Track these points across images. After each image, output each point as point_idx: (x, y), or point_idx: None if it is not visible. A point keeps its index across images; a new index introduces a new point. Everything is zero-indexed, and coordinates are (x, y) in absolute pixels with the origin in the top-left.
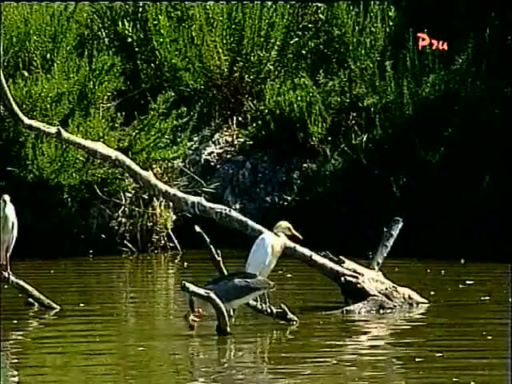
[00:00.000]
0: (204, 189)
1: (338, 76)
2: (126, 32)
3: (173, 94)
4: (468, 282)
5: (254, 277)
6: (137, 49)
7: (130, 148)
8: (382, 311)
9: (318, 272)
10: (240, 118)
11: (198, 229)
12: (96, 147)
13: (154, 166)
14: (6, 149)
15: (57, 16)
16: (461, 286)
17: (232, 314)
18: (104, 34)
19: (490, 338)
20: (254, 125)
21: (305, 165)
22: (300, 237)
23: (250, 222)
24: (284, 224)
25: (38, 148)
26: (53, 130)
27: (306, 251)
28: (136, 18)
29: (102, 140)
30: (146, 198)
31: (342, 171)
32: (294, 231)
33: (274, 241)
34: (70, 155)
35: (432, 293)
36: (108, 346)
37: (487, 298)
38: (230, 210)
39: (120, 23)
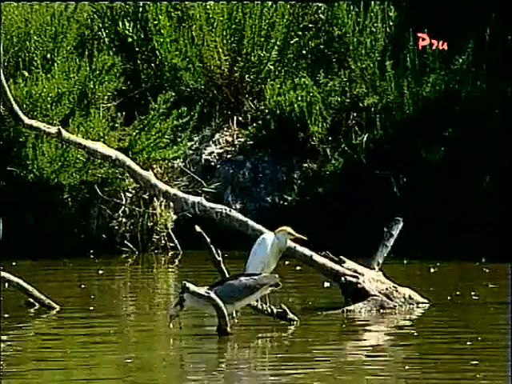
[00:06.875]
0: (204, 189)
1: (339, 76)
2: (127, 32)
3: (173, 93)
4: (468, 282)
5: (258, 275)
6: (137, 49)
7: (130, 148)
8: (382, 311)
9: (318, 272)
10: (240, 118)
11: (198, 229)
12: (96, 147)
13: (155, 165)
14: (6, 149)
15: (57, 16)
16: (461, 285)
17: (235, 314)
18: (104, 34)
19: (490, 338)
20: (255, 125)
21: (305, 165)
22: (304, 238)
23: (251, 222)
24: (286, 229)
25: (38, 148)
26: (53, 129)
27: (306, 251)
28: (136, 18)
29: (102, 140)
30: (147, 197)
31: (342, 171)
32: (296, 234)
33: (274, 241)
34: (70, 155)
35: (432, 293)
36: (108, 346)
37: (487, 298)
38: (230, 210)
39: (120, 23)
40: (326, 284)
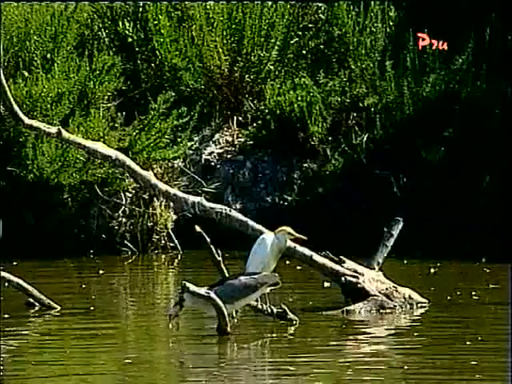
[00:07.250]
0: (204, 189)
1: (338, 76)
2: (127, 32)
3: (173, 93)
4: (468, 282)
5: (258, 274)
6: (137, 49)
7: (130, 148)
8: (382, 311)
9: (318, 272)
10: (240, 118)
11: (198, 229)
12: (96, 147)
13: (155, 165)
14: (6, 149)
15: (57, 16)
16: (461, 285)
17: (235, 314)
18: (104, 33)
19: (490, 338)
20: (255, 125)
21: (305, 165)
22: (304, 238)
23: (251, 222)
24: (286, 229)
25: (38, 148)
26: (53, 129)
27: (306, 251)
28: (136, 18)
29: (102, 140)
30: (147, 197)
31: (342, 171)
32: (296, 234)
33: (274, 241)
34: (70, 155)
35: (432, 293)
36: (108, 346)
37: (487, 298)
38: (230, 210)
39: (120, 23)
40: (326, 284)
